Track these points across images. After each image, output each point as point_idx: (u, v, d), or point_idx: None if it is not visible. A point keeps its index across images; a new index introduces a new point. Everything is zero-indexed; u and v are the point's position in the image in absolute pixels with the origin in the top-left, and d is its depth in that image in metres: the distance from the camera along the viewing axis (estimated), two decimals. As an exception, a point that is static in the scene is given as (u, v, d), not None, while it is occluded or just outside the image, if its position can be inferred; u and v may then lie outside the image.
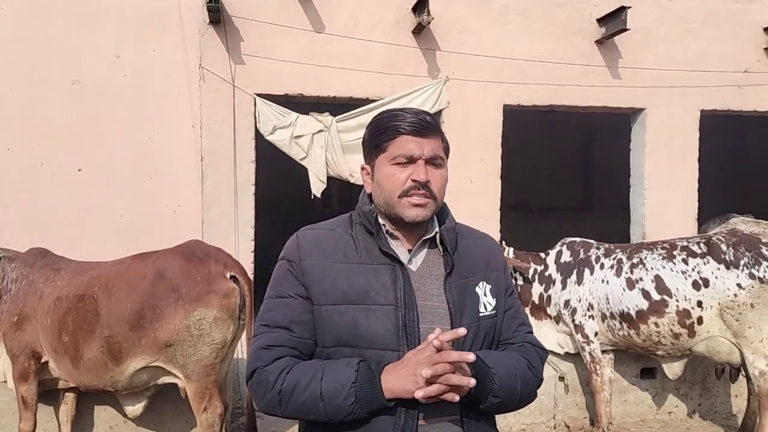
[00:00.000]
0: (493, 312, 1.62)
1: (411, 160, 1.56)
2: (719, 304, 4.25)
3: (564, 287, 4.79)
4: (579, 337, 4.71)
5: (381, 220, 1.62)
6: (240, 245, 5.29)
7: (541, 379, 1.68)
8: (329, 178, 5.50)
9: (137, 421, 4.31)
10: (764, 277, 4.16)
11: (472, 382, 1.41)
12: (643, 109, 6.10)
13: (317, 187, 5.47)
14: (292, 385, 1.49)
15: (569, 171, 11.40)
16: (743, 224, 7.30)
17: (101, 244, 4.96)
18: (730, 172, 10.11)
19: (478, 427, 1.56)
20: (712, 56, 6.12)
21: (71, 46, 5.10)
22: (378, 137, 1.61)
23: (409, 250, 1.63)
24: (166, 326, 3.70)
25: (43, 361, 3.88)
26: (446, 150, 1.63)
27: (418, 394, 1.41)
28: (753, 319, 4.14)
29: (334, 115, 5.41)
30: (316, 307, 1.57)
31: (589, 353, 4.69)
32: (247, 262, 5.25)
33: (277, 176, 7.66)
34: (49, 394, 4.13)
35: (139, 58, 5.20)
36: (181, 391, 3.86)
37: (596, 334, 4.70)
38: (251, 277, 4.97)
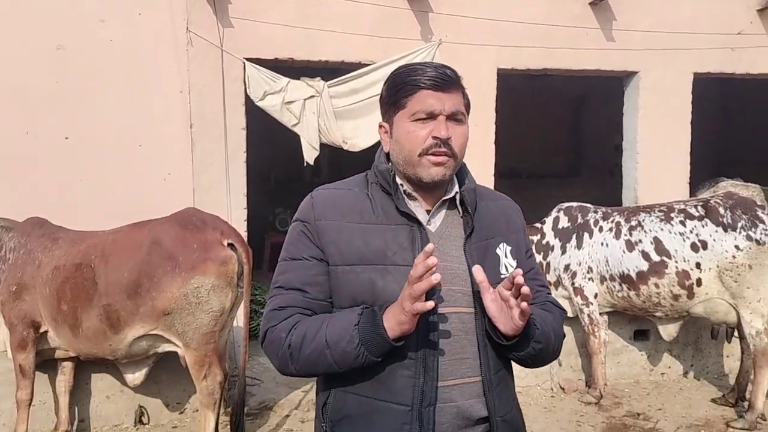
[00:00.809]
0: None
1: (431, 116, 1.51)
2: (718, 266, 4.29)
3: (564, 252, 4.81)
4: (578, 299, 4.74)
5: (399, 180, 1.57)
6: (232, 213, 5.21)
7: (564, 336, 1.67)
8: (321, 145, 5.42)
9: (135, 390, 4.29)
10: (761, 239, 4.20)
11: (437, 277, 1.31)
12: (636, 72, 6.06)
13: (310, 155, 5.39)
14: (301, 338, 1.47)
15: (558, 138, 11.39)
16: (733, 188, 7.36)
17: (90, 213, 4.86)
18: (720, 136, 10.13)
19: (499, 389, 1.55)
20: (705, 18, 6.08)
21: (55, 10, 4.93)
22: (396, 93, 1.55)
23: (428, 211, 1.59)
24: (164, 294, 3.67)
25: (42, 330, 3.84)
26: (467, 105, 1.58)
27: (415, 307, 1.34)
28: (751, 280, 4.19)
29: (326, 80, 5.31)
30: (332, 268, 1.53)
31: (588, 315, 4.73)
32: (241, 230, 5.17)
33: (265, 143, 7.56)
34: (47, 363, 4.10)
35: (125, 23, 5.04)
36: (180, 359, 3.84)
37: (596, 296, 4.73)
38: (245, 245, 4.91)
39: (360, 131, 5.41)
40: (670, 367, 5.31)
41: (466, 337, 1.51)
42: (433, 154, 1.50)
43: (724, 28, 6.10)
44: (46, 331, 3.85)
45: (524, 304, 1.38)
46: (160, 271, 3.68)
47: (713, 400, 4.83)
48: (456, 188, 1.60)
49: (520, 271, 1.39)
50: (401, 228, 1.53)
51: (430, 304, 1.34)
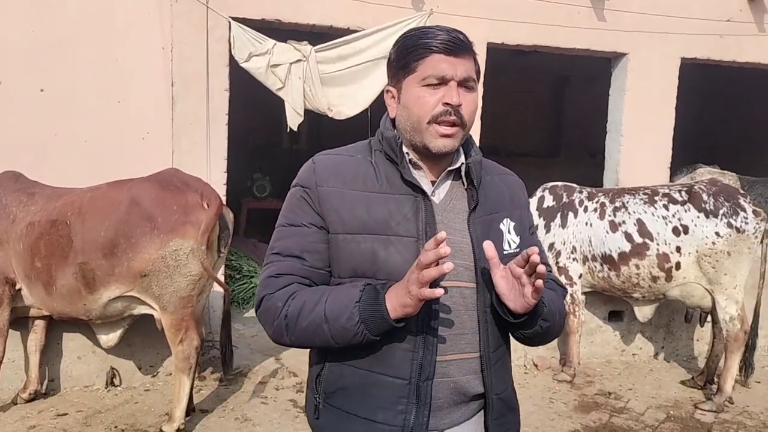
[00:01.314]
0: (517, 250, 1.55)
1: (443, 82, 1.45)
2: (697, 251, 4.34)
3: (548, 231, 4.81)
4: (563, 279, 4.76)
5: (404, 149, 1.52)
6: (212, 176, 5.08)
7: (566, 314, 1.65)
8: (306, 112, 5.31)
9: (107, 351, 4.23)
10: (741, 227, 4.25)
11: (449, 266, 1.28)
12: (625, 54, 6.04)
13: (294, 120, 5.27)
14: (298, 309, 1.42)
15: (539, 117, 11.40)
16: (709, 175, 7.48)
17: (65, 170, 4.70)
18: (698, 122, 10.23)
19: (497, 367, 1.53)
20: (696, 3, 6.06)
21: (31, -46, 4.71)
22: (406, 56, 1.48)
23: (432, 182, 1.54)
24: (141, 256, 3.60)
25: (17, 288, 3.73)
26: (478, 72, 1.52)
27: (422, 293, 1.30)
28: (729, 267, 4.25)
29: (313, 45, 5.18)
30: (333, 236, 1.48)
31: (571, 295, 4.77)
32: (220, 194, 5.07)
33: (244, 107, 7.39)
34: (18, 321, 4.00)
35: (106, -28, 4.84)
36: (156, 322, 3.78)
37: (580, 276, 4.76)
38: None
39: (346, 99, 5.31)
40: (641, 348, 5.40)
41: (467, 312, 1.48)
42: (442, 123, 1.45)
43: (714, 15, 6.10)
44: (20, 289, 3.74)
45: (539, 282, 1.35)
46: (138, 231, 3.60)
47: (682, 382, 4.92)
48: (462, 159, 1.55)
49: (536, 249, 1.35)
50: (405, 198, 1.48)
51: (440, 291, 1.30)
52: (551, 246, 4.79)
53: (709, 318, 4.80)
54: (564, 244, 4.75)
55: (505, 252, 1.53)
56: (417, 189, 1.49)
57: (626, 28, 5.94)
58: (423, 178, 1.53)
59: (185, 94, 5.06)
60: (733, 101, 9.92)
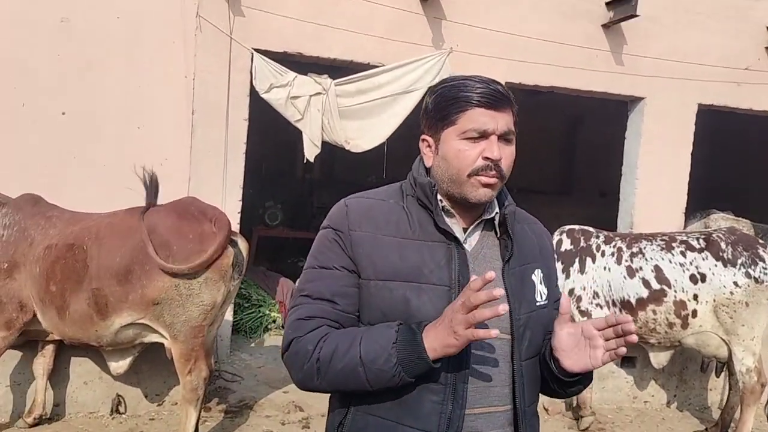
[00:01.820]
0: (546, 302, 1.54)
1: (483, 135, 1.44)
2: (715, 300, 4.29)
3: (567, 276, 4.74)
4: None
5: (438, 196, 1.50)
6: (227, 204, 5.09)
7: None
8: (323, 144, 5.33)
9: (114, 378, 4.19)
10: (759, 277, 4.20)
11: (504, 308, 1.28)
12: (642, 98, 6.06)
13: (311, 151, 5.29)
14: (330, 352, 1.39)
15: (551, 155, 11.41)
16: (723, 221, 7.42)
17: (82, 193, 4.73)
18: (715, 168, 10.22)
19: (533, 421, 1.50)
20: (714, 51, 6.10)
21: (62, -20, 4.80)
22: (446, 108, 1.47)
23: (464, 230, 1.52)
24: (155, 283, 3.58)
25: (33, 314, 3.71)
26: (516, 124, 1.51)
27: (473, 335, 1.28)
28: (746, 318, 4.20)
29: (333, 78, 5.23)
30: (364, 282, 1.46)
31: None
32: (234, 222, 5.07)
33: (258, 135, 7.47)
34: (26, 344, 3.97)
35: (133, 1, 4.92)
36: (166, 351, 3.74)
37: None
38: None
39: (364, 132, 5.34)
40: (653, 396, 5.30)
41: (499, 363, 1.45)
42: (483, 176, 1.44)
43: (732, 62, 6.13)
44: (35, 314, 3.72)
45: (623, 350, 1.35)
46: (153, 259, 3.59)
47: (696, 433, 4.83)
48: (496, 208, 1.54)
49: (630, 318, 1.35)
50: (438, 245, 1.46)
51: (495, 332, 1.28)
52: (571, 291, 4.73)
53: (724, 368, 4.72)
54: (584, 289, 4.68)
55: (537, 304, 1.52)
56: (450, 236, 1.47)
57: (644, 72, 5.97)
58: (455, 225, 1.52)
59: (205, 122, 5.11)
60: (749, 148, 9.91)
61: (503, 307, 1.26)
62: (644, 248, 4.57)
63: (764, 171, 9.73)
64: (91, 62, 4.87)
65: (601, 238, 4.78)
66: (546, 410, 4.98)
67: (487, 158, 1.43)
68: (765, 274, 4.22)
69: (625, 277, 4.54)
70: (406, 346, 1.34)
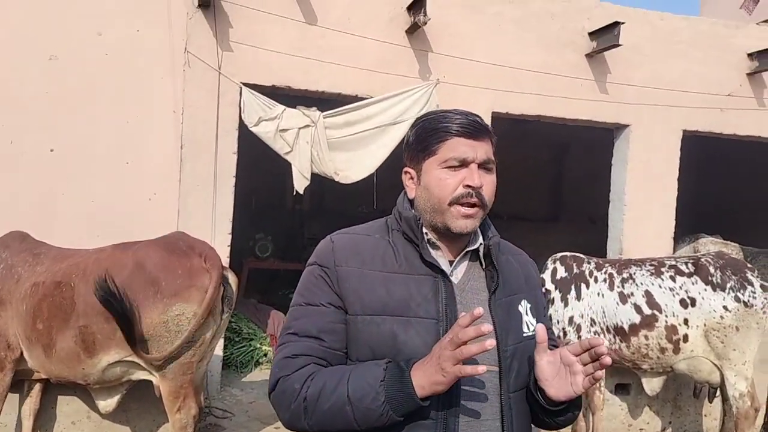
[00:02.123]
0: (533, 332, 1.53)
1: (463, 164, 1.46)
2: (705, 324, 4.29)
3: (566, 304, 4.68)
4: None
5: (424, 229, 1.51)
6: (216, 238, 5.09)
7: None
8: (312, 175, 5.35)
9: (102, 417, 4.11)
10: (749, 301, 4.22)
11: (492, 343, 1.29)
12: (627, 126, 6.14)
13: (300, 184, 5.31)
14: (318, 391, 1.37)
15: (539, 182, 11.50)
16: (712, 245, 7.47)
17: (71, 229, 4.71)
18: (702, 193, 10.33)
19: None
20: (697, 78, 6.21)
21: (51, 19, 4.84)
22: (427, 139, 1.50)
23: (450, 262, 1.53)
24: (143, 320, 3.53)
25: (20, 353, 3.65)
26: (495, 154, 1.54)
27: (462, 371, 1.28)
28: (737, 342, 4.20)
29: (322, 111, 5.27)
30: (351, 318, 1.45)
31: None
32: (224, 256, 5.05)
33: (247, 168, 7.49)
34: (14, 384, 3.89)
35: (122, 38, 4.97)
36: (155, 388, 3.69)
37: None
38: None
39: (352, 163, 5.37)
40: (648, 423, 5.26)
41: (489, 397, 1.44)
42: (464, 204, 1.46)
43: (715, 89, 6.24)
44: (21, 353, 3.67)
45: (600, 374, 1.36)
46: (141, 295, 3.55)
47: (692, 460, 4.79)
48: (481, 240, 1.55)
49: (602, 340, 1.35)
50: (425, 278, 1.47)
51: (482, 368, 1.28)
52: (571, 320, 4.65)
53: (718, 393, 4.70)
54: (582, 317, 4.63)
55: (524, 335, 1.51)
56: (436, 269, 1.48)
57: (629, 100, 6.06)
58: (441, 258, 1.52)
59: (194, 156, 5.12)
60: (734, 173, 10.02)
61: (490, 342, 1.27)
62: (634, 273, 4.58)
63: (750, 194, 9.82)
64: (80, 99, 4.89)
65: (593, 264, 4.78)
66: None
67: (467, 186, 1.45)
68: (754, 297, 4.23)
69: (617, 303, 4.53)
70: (394, 383, 1.32)
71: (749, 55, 6.24)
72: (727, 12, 12.09)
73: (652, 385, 4.71)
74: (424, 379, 1.31)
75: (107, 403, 3.86)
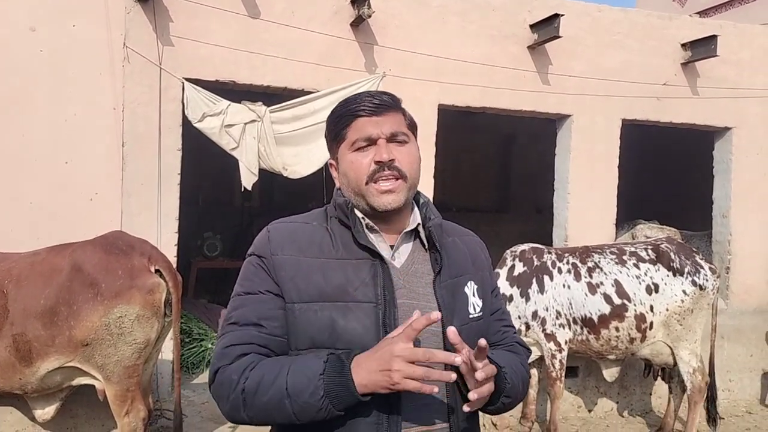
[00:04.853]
0: (480, 314, 1.55)
1: (371, 142, 1.48)
2: (667, 309, 4.41)
3: (527, 299, 4.63)
4: (551, 345, 4.59)
5: (358, 213, 1.52)
6: (162, 238, 4.99)
7: (530, 377, 1.65)
8: (260, 171, 5.29)
9: (48, 425, 3.99)
10: (703, 284, 4.37)
11: (453, 376, 1.31)
12: (569, 116, 6.27)
13: (248, 179, 5.24)
14: (256, 383, 1.36)
15: (488, 174, 11.68)
16: (649, 230, 7.71)
17: (8, 233, 4.54)
18: (639, 179, 10.65)
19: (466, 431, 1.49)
20: (635, 68, 6.39)
21: (-22, 14, 4.63)
22: (336, 126, 1.53)
23: (392, 246, 1.53)
24: (83, 324, 3.44)
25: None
26: (411, 125, 1.55)
27: (403, 386, 1.29)
28: (692, 323, 4.37)
29: (268, 106, 5.21)
30: (289, 306, 1.44)
31: (560, 361, 4.59)
32: (170, 255, 4.95)
33: (193, 165, 7.37)
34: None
35: (58, 33, 4.79)
36: (98, 393, 3.60)
37: (567, 342, 4.60)
38: (175, 271, 4.69)
39: (301, 158, 5.33)
40: (596, 404, 5.42)
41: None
42: (379, 180, 1.46)
43: (652, 79, 6.43)
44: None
45: (483, 388, 1.36)
46: (81, 298, 3.45)
47: (639, 438, 4.95)
48: (418, 220, 1.56)
49: (483, 341, 1.34)
50: (363, 262, 1.47)
51: (435, 388, 1.31)
52: (535, 314, 4.62)
53: (659, 373, 4.86)
54: (547, 310, 4.59)
55: (470, 316, 1.53)
56: (374, 253, 1.48)
57: (570, 91, 6.20)
58: (381, 242, 1.52)
59: (136, 154, 4.99)
60: (669, 159, 10.38)
61: (436, 315, 1.29)
62: (599, 262, 4.58)
63: (682, 180, 10.18)
64: (15, 98, 4.70)
65: (554, 254, 4.76)
66: (495, 425, 5.01)
67: (377, 162, 1.46)
68: (707, 280, 4.39)
69: (586, 294, 4.51)
70: (334, 377, 1.32)
71: (683, 45, 6.46)
72: (660, 4, 12.52)
73: (611, 372, 4.79)
74: (368, 378, 1.31)
75: (45, 411, 3.73)
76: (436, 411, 1.45)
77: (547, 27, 5.84)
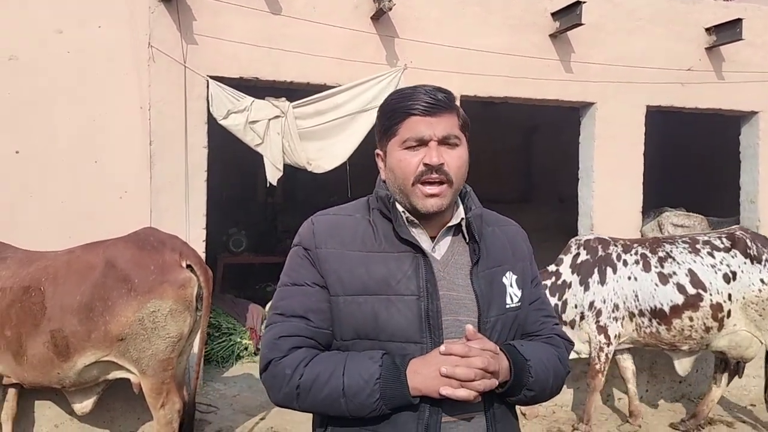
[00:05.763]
0: (519, 304, 1.56)
1: (422, 143, 1.48)
2: (744, 298, 4.37)
3: (587, 288, 4.58)
4: (601, 338, 4.55)
5: (399, 207, 1.53)
6: (191, 234, 5.06)
7: (569, 372, 1.65)
8: (285, 166, 5.34)
9: (85, 419, 4.09)
10: None
11: (494, 383, 1.40)
12: (593, 103, 6.22)
13: (273, 175, 5.29)
14: (312, 380, 1.41)
15: (510, 164, 11.63)
16: (676, 217, 7.62)
17: (41, 232, 4.64)
18: (664, 166, 10.53)
19: (502, 422, 1.52)
20: (658, 54, 6.31)
21: (8, 19, 4.73)
22: (387, 120, 1.53)
23: (433, 238, 1.55)
24: (118, 319, 3.52)
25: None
26: (463, 126, 1.55)
27: (444, 391, 1.36)
28: None
29: (291, 101, 5.25)
30: (333, 298, 1.48)
31: (606, 355, 4.56)
32: (199, 251, 5.01)
33: (218, 162, 7.44)
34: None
35: (84, 35, 4.87)
36: (133, 386, 3.68)
37: (617, 336, 4.56)
38: (204, 267, 4.75)
39: (324, 153, 5.36)
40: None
41: None
42: (426, 183, 1.47)
43: (675, 64, 6.35)
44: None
45: (476, 383, 1.39)
46: (115, 294, 3.53)
47: (672, 425, 4.91)
48: (462, 213, 1.57)
49: (470, 327, 1.42)
50: (405, 255, 1.49)
51: (475, 396, 1.38)
52: (591, 305, 4.56)
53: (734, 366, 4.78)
54: (605, 302, 4.52)
55: (508, 306, 1.54)
56: (415, 246, 1.50)
57: (593, 78, 6.14)
58: (422, 234, 1.54)
59: (164, 152, 5.06)
60: (695, 145, 10.23)
61: (494, 382, 1.42)
62: (671, 252, 4.53)
63: (708, 166, 10.04)
64: (43, 99, 4.80)
65: (620, 246, 4.69)
66: (524, 415, 5.02)
67: (426, 164, 1.46)
68: None
69: (657, 285, 4.45)
70: (390, 383, 1.38)
71: (707, 29, 6.36)
72: (684, -12, 12.29)
73: (683, 365, 4.70)
74: (422, 383, 1.38)
75: (83, 405, 3.83)
76: (475, 403, 1.47)
77: (568, 15, 5.79)
